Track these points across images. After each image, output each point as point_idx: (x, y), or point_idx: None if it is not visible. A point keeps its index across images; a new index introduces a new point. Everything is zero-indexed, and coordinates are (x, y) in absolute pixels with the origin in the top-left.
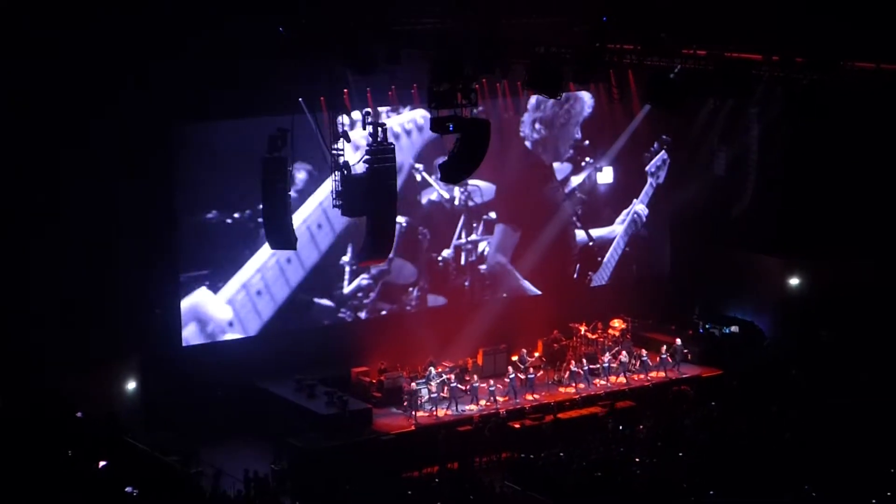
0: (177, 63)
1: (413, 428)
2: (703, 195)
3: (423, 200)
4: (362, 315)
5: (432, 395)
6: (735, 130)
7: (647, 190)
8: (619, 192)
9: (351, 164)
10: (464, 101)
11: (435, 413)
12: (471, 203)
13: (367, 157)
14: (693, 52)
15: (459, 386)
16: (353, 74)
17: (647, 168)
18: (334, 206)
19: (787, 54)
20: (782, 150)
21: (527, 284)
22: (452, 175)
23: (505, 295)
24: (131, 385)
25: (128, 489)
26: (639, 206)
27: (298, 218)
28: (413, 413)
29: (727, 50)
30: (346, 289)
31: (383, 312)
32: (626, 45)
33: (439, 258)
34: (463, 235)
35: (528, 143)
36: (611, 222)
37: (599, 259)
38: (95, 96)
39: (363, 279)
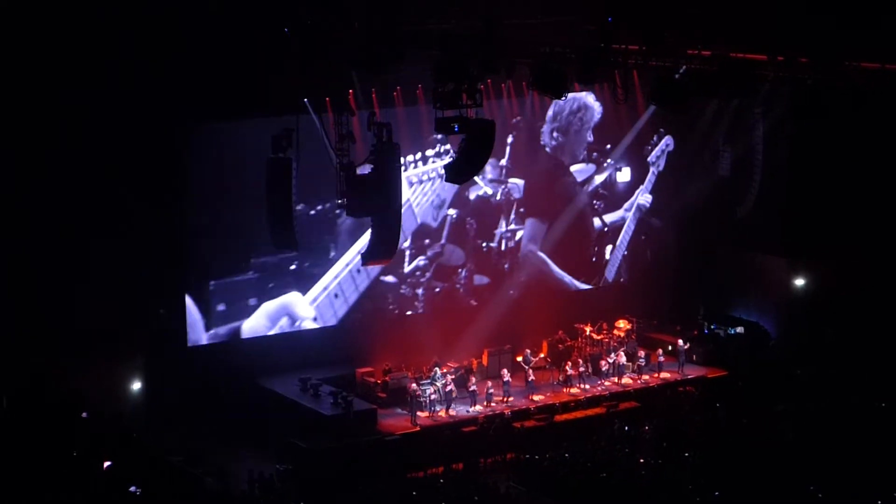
0: (183, 64)
1: (418, 429)
2: (708, 196)
3: (472, 196)
4: (419, 292)
5: (436, 396)
6: (739, 131)
7: (650, 178)
8: (630, 184)
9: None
10: (469, 101)
11: (439, 414)
12: (510, 198)
13: (371, 157)
14: (698, 53)
15: (454, 389)
16: (358, 75)
17: (648, 158)
18: (339, 206)
19: (792, 55)
20: (787, 151)
21: (555, 269)
22: (457, 175)
23: (526, 276)
24: (136, 385)
25: (132, 489)
26: (643, 197)
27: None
28: (417, 413)
29: (732, 50)
30: (406, 268)
31: (437, 290)
32: (631, 45)
33: (483, 244)
34: (503, 225)
35: (548, 150)
36: (620, 204)
37: (614, 243)
38: (103, 96)
39: (420, 260)
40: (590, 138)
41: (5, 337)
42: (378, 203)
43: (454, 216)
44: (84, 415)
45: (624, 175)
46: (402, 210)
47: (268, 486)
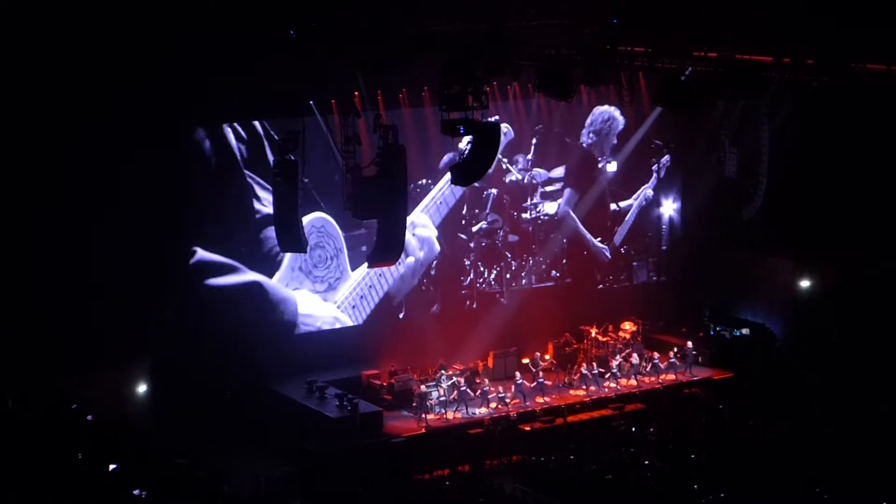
0: (188, 65)
1: (423, 431)
2: (714, 197)
3: (507, 180)
4: (472, 244)
5: (442, 398)
6: (745, 132)
7: (652, 181)
8: (635, 178)
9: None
10: (475, 103)
11: (445, 416)
12: (533, 182)
13: (377, 159)
14: (704, 55)
15: (469, 391)
16: (363, 77)
17: (653, 168)
18: (345, 208)
19: (798, 56)
20: (793, 152)
21: (581, 227)
22: (463, 177)
23: (565, 240)
24: (142, 388)
25: (136, 492)
26: (648, 191)
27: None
28: (423, 416)
29: (738, 52)
30: (474, 228)
31: (483, 244)
32: (637, 47)
33: (515, 214)
34: (528, 200)
35: (584, 146)
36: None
37: (623, 217)
38: (106, 97)
39: (483, 224)
40: (614, 141)
41: (10, 339)
42: (384, 205)
43: (495, 193)
44: (89, 417)
45: (612, 167)
46: (355, 180)
47: (273, 489)
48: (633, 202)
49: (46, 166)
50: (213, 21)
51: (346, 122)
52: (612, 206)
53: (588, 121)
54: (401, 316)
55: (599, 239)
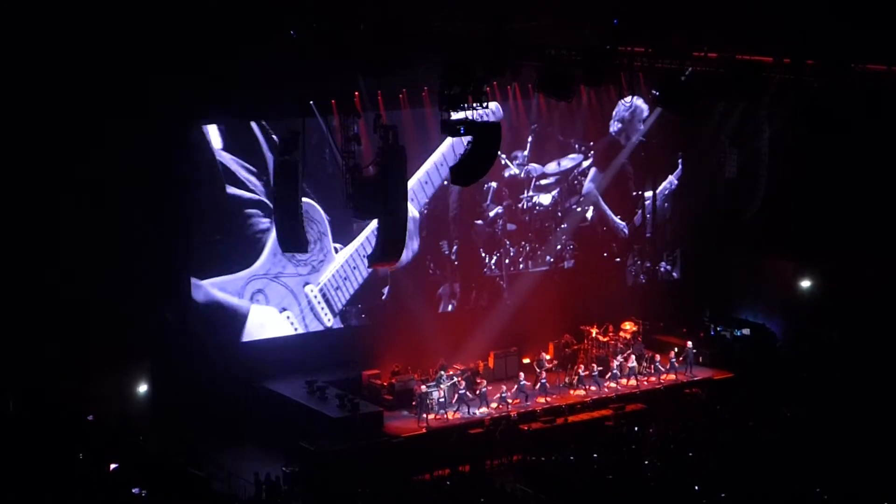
0: (187, 66)
1: (424, 431)
2: (715, 198)
3: (505, 174)
4: (485, 232)
5: (442, 398)
6: (746, 133)
7: (678, 171)
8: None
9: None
10: (475, 103)
11: (446, 416)
12: (530, 176)
13: (377, 159)
14: (704, 55)
15: (469, 391)
16: (363, 77)
17: (678, 159)
18: (345, 208)
19: (798, 57)
20: (793, 153)
21: (603, 203)
22: (463, 177)
23: (587, 209)
24: (142, 388)
25: (135, 490)
26: (673, 180)
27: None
28: (424, 416)
29: (738, 52)
30: (491, 213)
31: (486, 232)
32: (637, 48)
33: (513, 205)
34: (525, 193)
35: (613, 133)
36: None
37: (645, 202)
38: (108, 95)
39: (498, 209)
40: (640, 127)
41: (10, 340)
42: (384, 205)
43: (495, 186)
44: (90, 418)
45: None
46: (356, 180)
47: (274, 488)
48: (657, 191)
49: (46, 166)
50: (214, 22)
51: (347, 122)
52: (636, 192)
53: (614, 111)
54: (383, 296)
55: (619, 217)
